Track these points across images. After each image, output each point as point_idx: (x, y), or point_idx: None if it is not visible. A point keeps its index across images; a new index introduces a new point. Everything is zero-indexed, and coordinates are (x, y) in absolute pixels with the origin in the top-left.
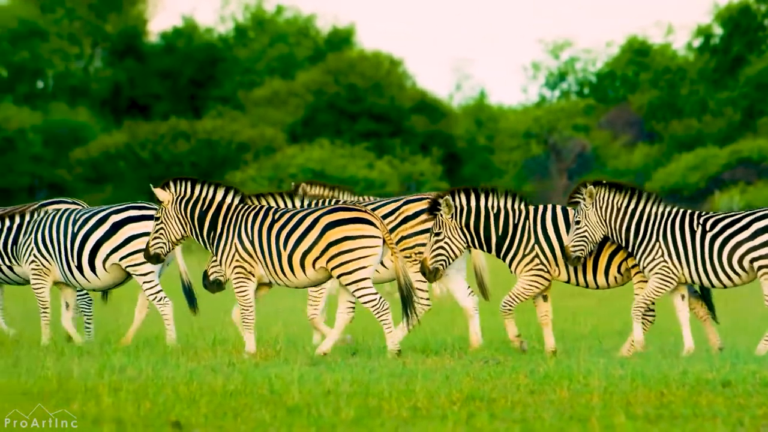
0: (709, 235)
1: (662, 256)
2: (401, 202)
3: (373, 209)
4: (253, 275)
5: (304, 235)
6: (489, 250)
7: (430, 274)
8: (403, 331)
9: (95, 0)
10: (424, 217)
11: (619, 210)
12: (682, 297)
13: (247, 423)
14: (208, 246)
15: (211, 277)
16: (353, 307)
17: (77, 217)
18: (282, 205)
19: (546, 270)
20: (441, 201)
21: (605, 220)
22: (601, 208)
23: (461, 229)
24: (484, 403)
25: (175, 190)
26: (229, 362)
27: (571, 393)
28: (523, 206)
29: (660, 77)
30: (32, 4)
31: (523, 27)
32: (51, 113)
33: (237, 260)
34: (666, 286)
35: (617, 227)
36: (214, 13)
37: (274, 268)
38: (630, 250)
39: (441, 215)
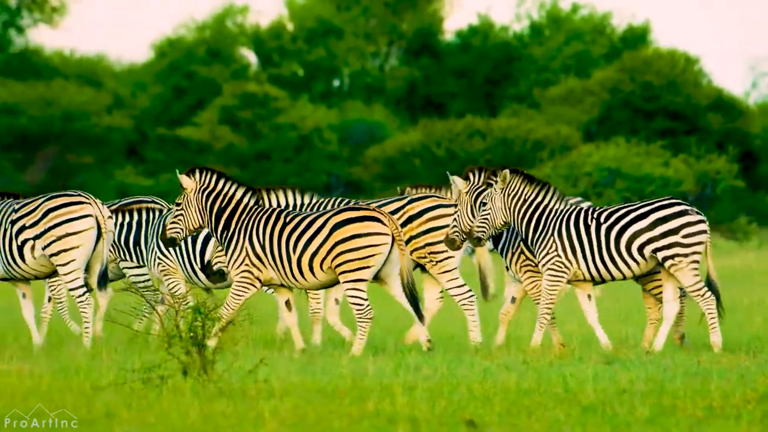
0: (604, 227)
1: (556, 250)
2: (405, 201)
3: (378, 206)
4: (259, 280)
5: (312, 238)
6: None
7: (449, 243)
8: (422, 328)
9: None
10: (428, 215)
11: (525, 201)
12: (589, 297)
13: (541, 421)
14: (219, 242)
15: (215, 267)
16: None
17: None
18: (291, 200)
19: (536, 266)
20: (449, 175)
21: (509, 208)
22: (509, 195)
23: (471, 207)
24: None
25: (199, 180)
26: (523, 360)
27: None
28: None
29: None
30: (328, 3)
31: None
32: (347, 112)
33: (246, 264)
34: (558, 280)
35: (519, 217)
36: (510, 11)
37: (285, 271)
38: (528, 242)
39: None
